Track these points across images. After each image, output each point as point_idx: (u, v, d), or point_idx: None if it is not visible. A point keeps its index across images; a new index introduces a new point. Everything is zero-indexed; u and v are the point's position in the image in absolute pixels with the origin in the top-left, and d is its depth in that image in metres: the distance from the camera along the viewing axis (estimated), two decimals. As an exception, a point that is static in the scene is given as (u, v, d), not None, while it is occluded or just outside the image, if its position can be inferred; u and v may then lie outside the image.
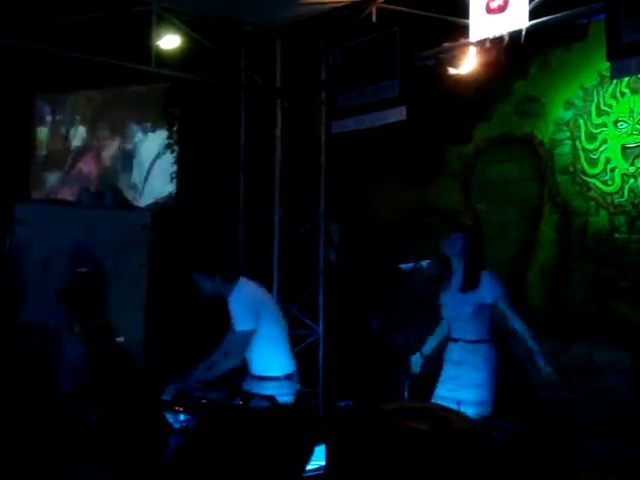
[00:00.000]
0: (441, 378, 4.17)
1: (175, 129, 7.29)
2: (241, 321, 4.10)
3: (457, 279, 4.12)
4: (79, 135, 7.76)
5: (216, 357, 4.14)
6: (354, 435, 1.71)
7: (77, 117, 7.67)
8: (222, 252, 5.53)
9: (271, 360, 4.22)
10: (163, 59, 5.75)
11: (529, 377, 5.30)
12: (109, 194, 6.23)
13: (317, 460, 2.74)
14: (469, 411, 3.33)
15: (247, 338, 4.10)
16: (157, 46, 5.67)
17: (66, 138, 7.74)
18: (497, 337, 5.11)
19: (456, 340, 4.13)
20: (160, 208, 7.00)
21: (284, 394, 4.06)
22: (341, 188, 6.55)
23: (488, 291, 4.03)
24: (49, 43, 5.20)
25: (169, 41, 5.87)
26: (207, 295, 4.23)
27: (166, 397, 3.74)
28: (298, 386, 4.34)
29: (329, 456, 2.08)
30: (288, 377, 4.23)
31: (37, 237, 5.12)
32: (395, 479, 1.51)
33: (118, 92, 7.40)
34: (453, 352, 4.13)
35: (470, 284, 4.03)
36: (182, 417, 3.47)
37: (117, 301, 5.22)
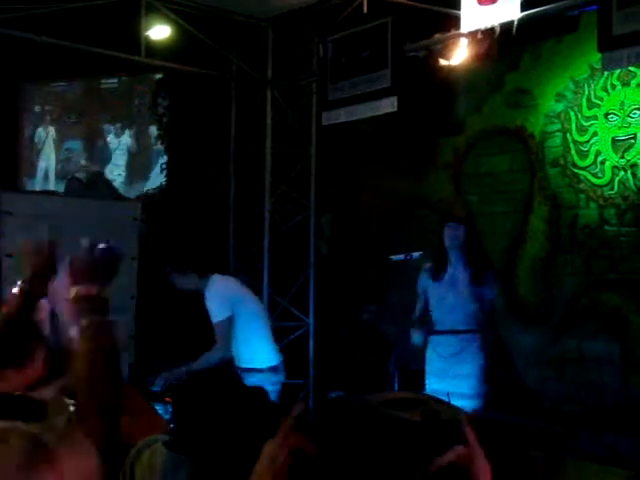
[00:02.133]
0: (429, 371, 4.17)
1: (165, 120, 7.25)
2: (216, 313, 4.17)
3: (455, 272, 4.10)
4: (66, 125, 7.70)
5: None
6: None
7: (64, 107, 7.61)
8: (209, 245, 5.50)
9: (254, 353, 4.27)
10: (153, 49, 5.71)
11: (519, 368, 5.32)
12: (98, 184, 6.19)
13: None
14: (459, 404, 3.33)
15: (227, 327, 4.14)
16: (147, 36, 5.63)
17: (53, 128, 7.68)
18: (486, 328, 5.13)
19: (446, 332, 4.12)
20: (150, 199, 6.96)
21: (268, 387, 4.12)
22: (332, 180, 6.54)
23: (489, 290, 4.05)
24: (37, 31, 5.15)
25: (159, 31, 5.83)
26: (183, 290, 4.28)
27: (156, 388, 3.74)
28: (282, 378, 4.36)
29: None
30: (272, 369, 4.30)
31: (25, 228, 5.08)
32: (386, 470, 1.50)
33: (106, 82, 7.35)
34: (443, 345, 4.11)
35: (477, 280, 4.02)
36: (172, 408, 3.45)
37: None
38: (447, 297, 4.12)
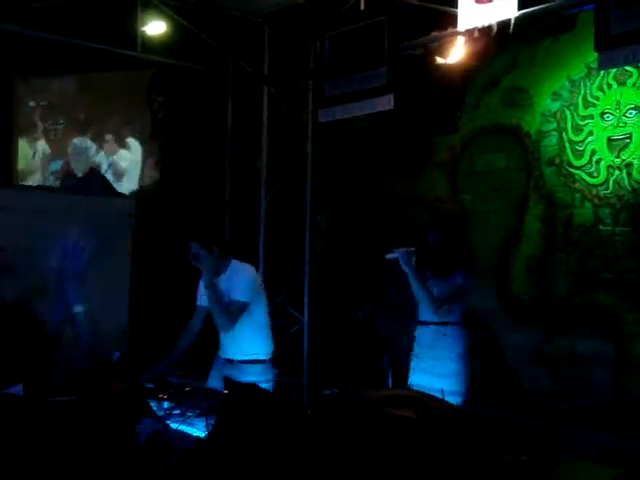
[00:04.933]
0: (413, 364, 4.18)
1: (160, 116, 7.23)
2: (243, 292, 4.13)
3: (435, 270, 4.13)
4: (61, 121, 7.67)
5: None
6: (339, 423, 1.71)
7: (58, 102, 7.58)
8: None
9: (258, 344, 4.26)
10: (149, 45, 5.70)
11: (512, 366, 5.33)
12: (93, 180, 6.18)
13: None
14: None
15: (243, 309, 4.14)
16: (143, 32, 5.62)
17: (49, 123, 7.66)
18: (479, 327, 5.15)
19: (425, 323, 4.15)
20: (145, 195, 6.94)
21: (267, 379, 4.13)
22: (328, 177, 6.54)
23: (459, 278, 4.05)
24: (33, 26, 5.13)
25: (155, 27, 5.82)
26: (201, 266, 4.24)
27: (149, 385, 3.73)
28: (276, 370, 4.37)
29: (314, 444, 2.07)
30: (271, 361, 4.30)
31: (19, 223, 5.06)
32: (381, 467, 1.50)
33: (100, 78, 7.32)
34: (424, 336, 4.14)
35: (444, 272, 4.05)
36: (166, 404, 3.45)
37: (101, 288, 5.18)
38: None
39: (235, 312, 4.11)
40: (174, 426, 3.08)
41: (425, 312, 4.15)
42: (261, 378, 3.98)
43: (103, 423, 1.83)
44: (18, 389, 2.02)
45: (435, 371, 4.00)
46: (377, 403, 1.63)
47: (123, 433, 1.90)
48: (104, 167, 7.46)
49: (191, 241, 4.17)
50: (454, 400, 3.79)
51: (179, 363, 4.11)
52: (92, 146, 7.52)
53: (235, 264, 4.27)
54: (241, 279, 4.17)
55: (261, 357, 4.24)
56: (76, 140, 7.55)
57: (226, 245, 4.42)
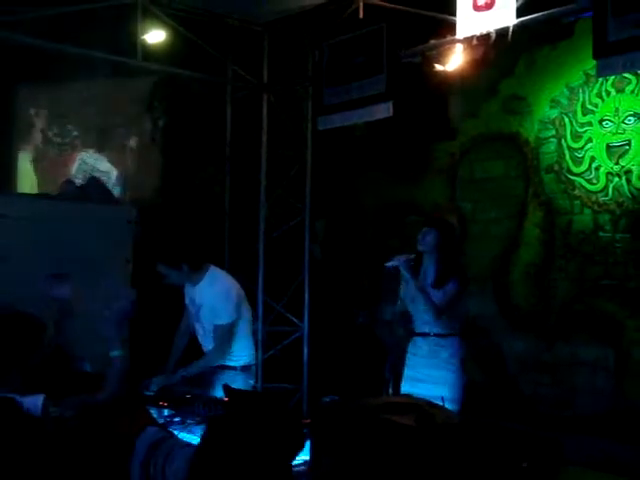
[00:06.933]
0: (406, 374, 4.14)
1: (161, 124, 7.25)
2: (226, 313, 4.02)
3: (427, 274, 4.08)
4: (62, 129, 7.69)
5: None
6: (339, 430, 1.71)
7: (59, 110, 7.59)
8: (205, 245, 5.47)
9: (236, 350, 4.13)
10: (149, 53, 5.71)
11: (513, 374, 5.33)
12: (93, 187, 6.18)
13: (301, 455, 2.75)
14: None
15: (231, 329, 4.05)
16: (143, 40, 5.63)
17: (49, 131, 7.66)
18: (477, 334, 5.15)
19: (424, 335, 4.09)
20: (145, 203, 6.95)
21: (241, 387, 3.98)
22: (327, 184, 6.55)
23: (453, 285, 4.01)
24: (33, 35, 5.14)
25: (155, 35, 5.83)
26: (175, 284, 4.17)
27: (150, 392, 3.73)
28: (252, 382, 4.23)
29: (313, 451, 2.07)
30: (245, 369, 4.14)
31: (19, 231, 5.06)
32: (380, 475, 1.50)
33: (101, 86, 7.33)
34: (422, 347, 4.09)
35: (440, 281, 4.00)
36: (166, 412, 3.45)
37: (101, 295, 5.18)
38: (416, 300, 4.09)
39: (221, 340, 4.01)
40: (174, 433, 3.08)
41: (421, 324, 4.11)
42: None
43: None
44: (37, 399, 2.03)
45: (432, 380, 3.97)
46: (377, 410, 1.63)
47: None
48: (104, 174, 7.47)
49: (157, 263, 4.02)
50: (451, 407, 3.78)
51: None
52: (93, 154, 7.53)
53: (213, 273, 4.11)
54: (220, 299, 4.02)
55: (231, 363, 4.08)
56: (78, 150, 7.57)
57: (200, 254, 4.20)
